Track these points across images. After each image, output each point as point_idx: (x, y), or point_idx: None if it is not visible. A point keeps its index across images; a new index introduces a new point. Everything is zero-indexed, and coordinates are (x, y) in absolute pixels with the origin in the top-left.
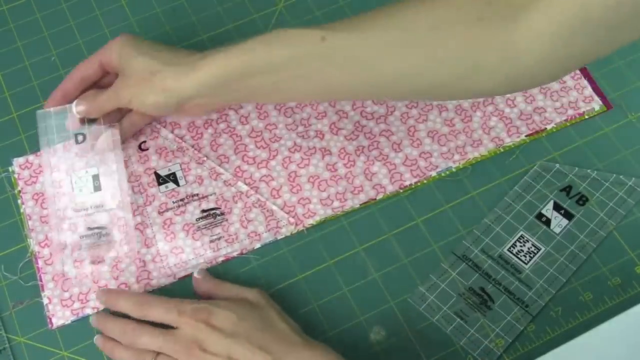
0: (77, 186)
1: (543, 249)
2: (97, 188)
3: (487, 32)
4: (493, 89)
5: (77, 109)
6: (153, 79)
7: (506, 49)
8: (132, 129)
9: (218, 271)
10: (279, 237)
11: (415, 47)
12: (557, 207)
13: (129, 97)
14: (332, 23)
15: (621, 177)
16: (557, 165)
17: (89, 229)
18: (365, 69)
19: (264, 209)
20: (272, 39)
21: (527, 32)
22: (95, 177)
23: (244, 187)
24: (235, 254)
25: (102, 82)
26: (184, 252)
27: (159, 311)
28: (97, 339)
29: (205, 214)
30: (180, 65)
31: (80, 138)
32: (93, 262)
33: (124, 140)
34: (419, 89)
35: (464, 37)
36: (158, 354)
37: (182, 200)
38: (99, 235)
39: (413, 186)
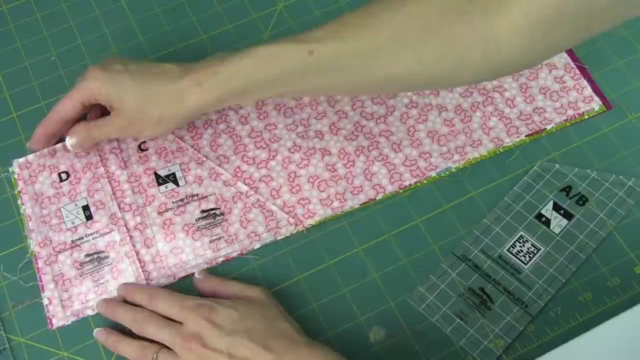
0: (68, 220)
1: (543, 249)
2: (89, 217)
3: (469, 27)
4: (475, 80)
5: (70, 142)
6: (151, 116)
7: (488, 44)
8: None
9: (218, 272)
10: (279, 237)
11: (403, 50)
12: (556, 207)
13: (129, 134)
14: (319, 31)
15: (621, 177)
16: (557, 166)
17: (87, 255)
18: (355, 74)
19: (264, 209)
20: (262, 57)
21: (507, 26)
22: (85, 208)
23: (244, 188)
24: (235, 254)
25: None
26: (183, 252)
27: (164, 304)
28: (97, 333)
29: (205, 214)
30: (174, 95)
31: (64, 176)
32: (95, 288)
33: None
34: (409, 86)
35: (448, 35)
36: (160, 348)
37: (181, 200)
38: (98, 259)
39: (413, 186)
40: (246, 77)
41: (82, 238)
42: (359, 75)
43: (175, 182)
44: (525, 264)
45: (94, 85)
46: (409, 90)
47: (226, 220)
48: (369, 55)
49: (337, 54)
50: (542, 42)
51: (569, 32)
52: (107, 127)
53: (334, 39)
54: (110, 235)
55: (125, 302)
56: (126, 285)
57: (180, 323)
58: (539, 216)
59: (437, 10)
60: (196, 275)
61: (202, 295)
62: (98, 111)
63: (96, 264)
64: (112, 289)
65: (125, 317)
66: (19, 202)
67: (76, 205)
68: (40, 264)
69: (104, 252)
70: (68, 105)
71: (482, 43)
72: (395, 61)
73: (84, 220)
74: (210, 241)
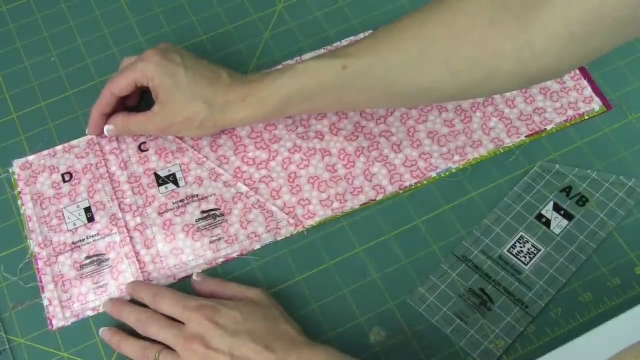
0: (70, 221)
1: (543, 249)
2: (91, 219)
3: (502, 36)
4: (509, 88)
5: (107, 129)
6: (194, 120)
7: (522, 52)
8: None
9: (218, 272)
10: (279, 238)
11: (433, 61)
12: (557, 208)
13: (167, 134)
14: (353, 47)
15: (621, 177)
16: (557, 166)
17: (88, 257)
18: (387, 88)
19: (264, 210)
20: (299, 73)
21: (543, 32)
22: (88, 210)
23: (244, 188)
24: (235, 255)
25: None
26: (184, 253)
27: (167, 304)
28: (103, 332)
29: (205, 215)
30: (220, 105)
31: (67, 177)
32: (94, 290)
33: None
34: (439, 98)
35: (480, 45)
36: (162, 349)
37: (182, 201)
38: (98, 262)
39: (413, 187)
40: (285, 93)
41: (83, 240)
42: (392, 88)
43: (176, 183)
44: (526, 265)
45: (152, 69)
46: (443, 102)
47: (226, 221)
48: (400, 68)
49: (370, 68)
50: (580, 49)
51: (609, 37)
52: (148, 125)
53: (366, 54)
54: (110, 237)
55: (132, 301)
56: (134, 283)
57: (183, 323)
58: (540, 217)
59: (466, 20)
60: (194, 277)
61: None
62: (136, 97)
63: (96, 266)
64: (112, 291)
65: (130, 317)
66: (19, 202)
67: (78, 207)
68: (41, 264)
69: (104, 254)
70: (123, 84)
71: (516, 51)
72: (426, 73)
73: (86, 222)
74: (211, 242)
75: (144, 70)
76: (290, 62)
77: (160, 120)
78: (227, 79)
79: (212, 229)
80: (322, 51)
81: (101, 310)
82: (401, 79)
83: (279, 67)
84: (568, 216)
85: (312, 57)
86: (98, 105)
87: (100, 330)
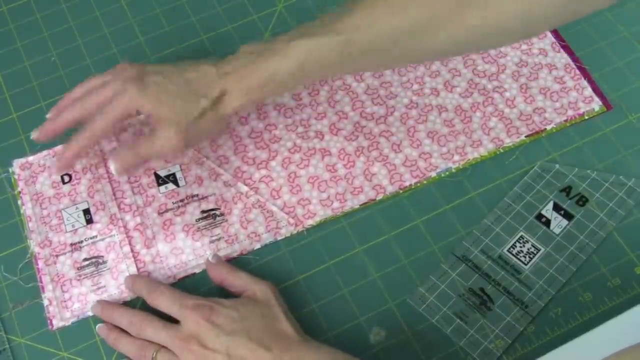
0: (68, 222)
1: (543, 249)
2: (89, 221)
3: None
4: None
5: (113, 166)
6: (194, 126)
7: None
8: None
9: None
10: (279, 237)
11: (438, 24)
12: (557, 208)
13: (191, 135)
14: (352, 17)
15: (621, 177)
16: (557, 166)
17: (86, 259)
18: (389, 59)
19: (264, 209)
20: (298, 54)
21: None
22: (86, 211)
23: (244, 188)
24: (235, 254)
25: None
26: (183, 252)
27: (164, 302)
28: (100, 328)
29: (205, 214)
30: (214, 98)
31: (66, 179)
32: (94, 291)
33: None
34: (447, 55)
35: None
36: (160, 348)
37: (181, 201)
38: (96, 263)
39: (413, 187)
40: (285, 76)
41: (82, 241)
42: (393, 55)
43: (175, 183)
44: (526, 265)
45: (133, 103)
46: (449, 57)
47: (226, 220)
48: (403, 37)
49: (371, 42)
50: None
51: None
52: (159, 148)
53: (367, 27)
54: (110, 237)
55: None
56: (133, 276)
57: (177, 321)
58: (539, 216)
59: None
60: (209, 258)
61: (202, 293)
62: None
63: (94, 268)
64: (112, 291)
65: (121, 320)
66: (19, 202)
67: (77, 208)
68: (41, 264)
69: (103, 256)
70: (102, 125)
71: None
72: (433, 37)
73: (84, 223)
74: (211, 242)
75: (124, 106)
76: None
77: (166, 140)
78: (214, 71)
79: (212, 228)
80: None
81: (90, 313)
82: (405, 45)
83: None
84: (568, 216)
85: (309, 33)
86: (75, 146)
87: (97, 326)
